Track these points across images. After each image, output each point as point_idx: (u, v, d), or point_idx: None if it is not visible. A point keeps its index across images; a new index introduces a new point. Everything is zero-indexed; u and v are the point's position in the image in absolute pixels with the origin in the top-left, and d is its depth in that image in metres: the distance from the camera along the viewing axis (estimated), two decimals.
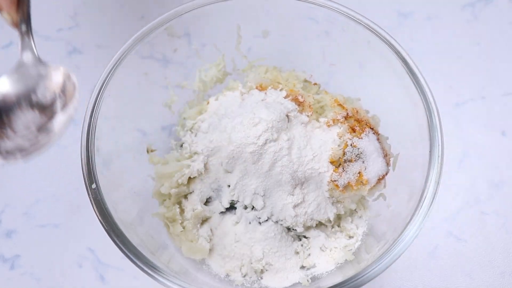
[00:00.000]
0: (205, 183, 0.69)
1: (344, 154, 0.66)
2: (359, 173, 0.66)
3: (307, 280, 0.67)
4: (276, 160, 0.64)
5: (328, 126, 0.68)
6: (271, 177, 0.65)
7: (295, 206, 0.67)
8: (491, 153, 0.82)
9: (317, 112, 0.71)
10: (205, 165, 0.68)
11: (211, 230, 0.70)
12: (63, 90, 0.53)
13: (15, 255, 0.77)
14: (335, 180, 0.66)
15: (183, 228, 0.68)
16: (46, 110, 0.52)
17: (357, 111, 0.69)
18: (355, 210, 0.72)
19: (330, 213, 0.68)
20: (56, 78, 0.53)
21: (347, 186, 0.66)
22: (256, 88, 0.72)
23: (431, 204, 0.60)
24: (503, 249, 0.77)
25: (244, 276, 0.69)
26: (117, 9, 0.92)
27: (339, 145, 0.66)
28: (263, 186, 0.66)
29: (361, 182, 0.66)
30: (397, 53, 0.66)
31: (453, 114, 0.85)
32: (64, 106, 0.52)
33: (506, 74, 0.88)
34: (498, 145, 0.83)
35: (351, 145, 0.66)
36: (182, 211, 0.70)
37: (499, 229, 0.78)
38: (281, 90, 0.71)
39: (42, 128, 0.51)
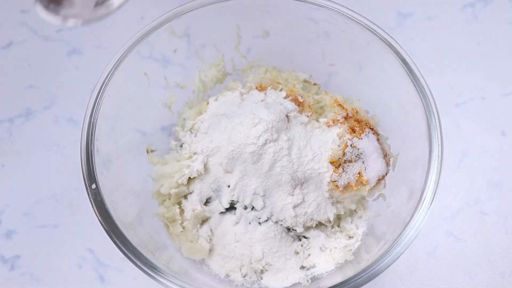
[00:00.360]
0: (205, 183, 0.69)
1: (344, 154, 0.66)
2: (359, 173, 0.66)
3: (307, 280, 0.67)
4: (276, 160, 0.64)
5: (328, 126, 0.68)
6: (271, 177, 0.65)
7: (295, 207, 0.67)
8: (491, 153, 0.82)
9: (317, 112, 0.71)
10: (205, 165, 0.68)
11: (211, 230, 0.70)
12: None
13: (15, 255, 0.77)
14: (335, 181, 0.66)
15: (183, 228, 0.68)
16: None
17: (357, 112, 0.69)
18: (355, 210, 0.72)
19: (330, 213, 0.68)
20: None
21: (347, 187, 0.66)
22: (256, 88, 0.72)
23: (431, 204, 0.60)
24: (503, 249, 0.77)
25: (244, 276, 0.69)
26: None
27: (339, 146, 0.66)
28: (263, 186, 0.66)
29: (361, 182, 0.66)
30: (397, 53, 0.66)
31: (453, 114, 0.85)
32: None
33: (506, 74, 0.88)
34: (498, 145, 0.83)
35: (351, 145, 0.66)
36: (182, 211, 0.70)
37: (499, 229, 0.78)
38: (281, 90, 0.71)
39: (101, 2, 0.55)
